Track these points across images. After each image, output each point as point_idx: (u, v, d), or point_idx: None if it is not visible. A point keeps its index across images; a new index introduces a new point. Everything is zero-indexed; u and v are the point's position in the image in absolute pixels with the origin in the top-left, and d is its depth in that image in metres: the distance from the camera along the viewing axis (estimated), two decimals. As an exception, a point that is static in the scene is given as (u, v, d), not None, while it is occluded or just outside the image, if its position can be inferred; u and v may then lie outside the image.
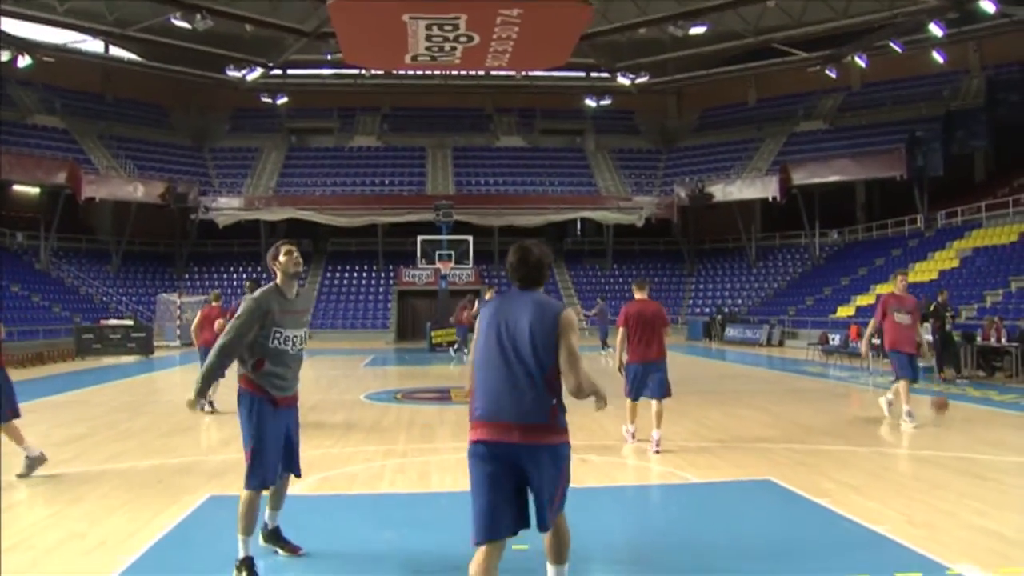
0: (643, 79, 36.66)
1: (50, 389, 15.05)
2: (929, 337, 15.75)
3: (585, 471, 7.08)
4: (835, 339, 20.80)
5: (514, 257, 3.79)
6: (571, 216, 37.72)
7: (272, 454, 4.52)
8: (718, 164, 38.02)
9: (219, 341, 4.53)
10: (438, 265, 30.34)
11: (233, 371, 4.71)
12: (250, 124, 40.95)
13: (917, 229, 31.58)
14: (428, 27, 24.10)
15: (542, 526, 3.60)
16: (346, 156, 40.65)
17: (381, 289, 36.42)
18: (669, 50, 34.06)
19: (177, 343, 28.88)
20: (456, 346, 23.44)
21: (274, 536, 4.89)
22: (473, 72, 35.91)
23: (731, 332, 30.38)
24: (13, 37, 29.84)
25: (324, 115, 41.62)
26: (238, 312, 4.54)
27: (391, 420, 10.69)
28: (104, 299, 32.48)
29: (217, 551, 4.71)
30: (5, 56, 29.71)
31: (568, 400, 3.65)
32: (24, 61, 30.48)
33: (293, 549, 4.86)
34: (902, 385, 9.82)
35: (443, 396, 13.69)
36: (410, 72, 36.22)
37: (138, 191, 33.87)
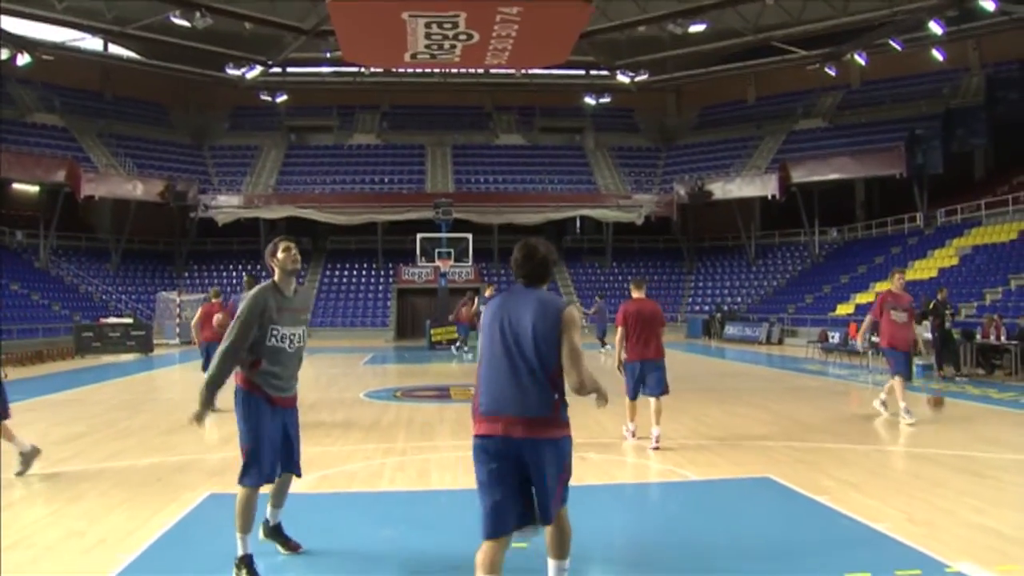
0: (642, 77, 36.65)
1: (49, 387, 15.06)
2: (928, 335, 15.78)
3: (585, 469, 7.08)
4: (834, 337, 20.80)
5: (519, 254, 3.83)
6: (570, 214, 37.70)
7: (268, 453, 4.48)
8: (717, 162, 38.01)
9: (222, 346, 4.44)
10: (437, 263, 30.34)
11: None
12: (249, 122, 40.94)
13: (917, 227, 31.60)
14: (427, 25, 24.10)
15: (545, 519, 3.64)
16: (345, 154, 40.64)
17: (380, 287, 36.41)
18: (668, 48, 34.03)
19: (177, 341, 28.91)
20: (457, 344, 23.45)
21: (275, 533, 4.89)
22: (472, 70, 35.89)
23: (730, 330, 30.39)
24: (12, 35, 29.81)
25: (323, 113, 41.60)
26: (237, 314, 4.49)
27: (391, 418, 10.69)
28: (103, 297, 32.47)
29: (217, 549, 4.71)
30: (4, 54, 29.66)
31: (567, 397, 3.68)
32: (23, 59, 30.43)
33: (293, 547, 4.85)
34: (896, 382, 9.88)
35: (443, 394, 13.70)
36: (409, 70, 36.23)
37: (137, 189, 33.84)
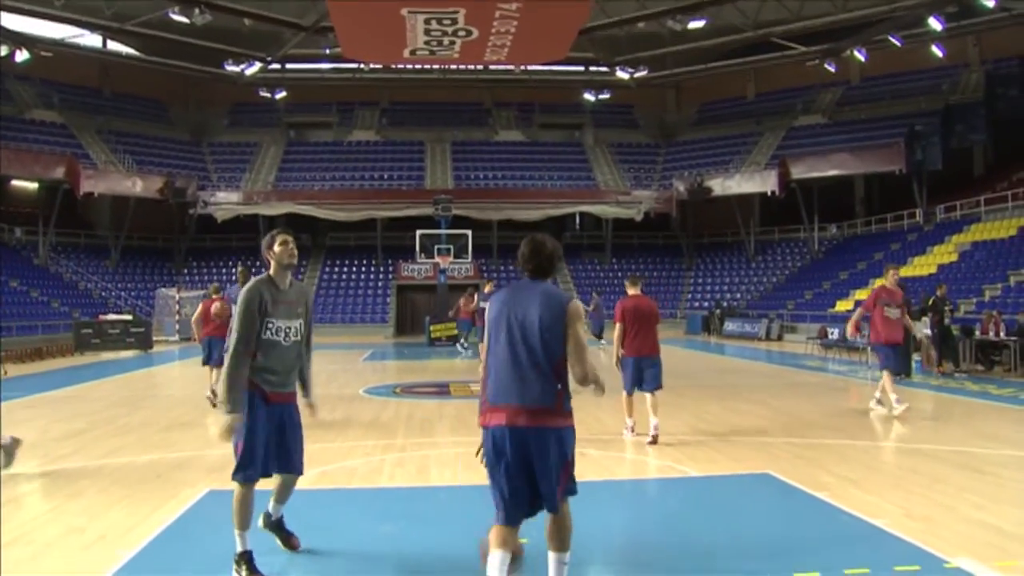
0: (642, 73, 36.61)
1: (49, 384, 15.06)
2: (928, 331, 15.80)
3: (584, 465, 7.07)
4: (834, 333, 20.82)
5: (527, 248, 3.94)
6: (570, 210, 37.71)
7: (260, 450, 4.43)
8: (717, 158, 37.98)
9: (230, 344, 4.41)
10: (437, 259, 30.34)
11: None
12: (249, 119, 40.91)
13: (916, 223, 31.60)
14: (427, 21, 24.03)
15: (551, 507, 3.74)
16: (345, 150, 40.60)
17: (380, 283, 36.42)
18: (668, 44, 33.99)
19: (176, 338, 28.92)
20: (462, 341, 23.39)
21: (276, 527, 4.86)
22: (472, 66, 35.81)
23: (730, 326, 30.41)
24: (11, 32, 29.75)
25: (323, 109, 41.56)
26: (236, 312, 4.46)
27: (390, 414, 10.70)
28: (103, 294, 32.46)
29: (217, 545, 4.71)
30: (3, 51, 29.60)
31: (569, 389, 3.76)
32: (22, 56, 30.39)
33: (293, 544, 4.83)
34: (885, 376, 9.97)
35: (442, 391, 13.70)
36: (409, 66, 36.17)
37: (136, 186, 33.83)
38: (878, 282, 11.11)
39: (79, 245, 35.11)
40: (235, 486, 4.45)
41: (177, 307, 29.49)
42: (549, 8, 23.32)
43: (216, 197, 35.54)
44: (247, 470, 4.42)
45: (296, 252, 4.64)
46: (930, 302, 15.92)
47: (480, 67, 35.57)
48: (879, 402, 10.34)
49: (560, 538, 3.81)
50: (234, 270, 35.15)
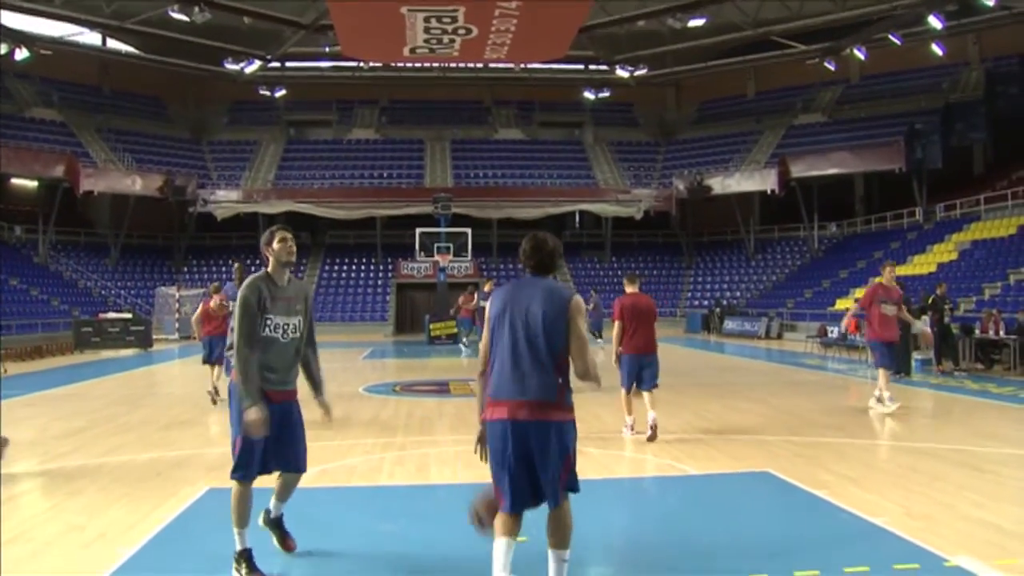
0: (642, 71, 36.60)
1: (49, 382, 15.07)
2: (928, 329, 15.80)
3: (583, 463, 7.04)
4: (833, 332, 20.83)
5: (529, 245, 4.01)
6: (570, 208, 37.72)
7: (258, 448, 4.40)
8: (717, 157, 37.98)
9: (236, 341, 4.36)
10: (436, 258, 30.32)
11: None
12: (248, 117, 40.90)
13: (916, 222, 31.60)
14: (426, 19, 24.06)
15: (553, 501, 3.77)
16: (344, 149, 40.58)
17: (380, 282, 36.42)
18: (668, 42, 33.98)
19: (176, 336, 28.91)
20: (464, 340, 23.38)
21: (274, 524, 4.81)
22: (471, 64, 35.84)
23: (730, 325, 30.43)
24: (11, 30, 29.72)
25: (322, 108, 41.54)
26: (236, 308, 4.41)
27: (390, 413, 10.70)
28: (103, 292, 32.46)
29: (217, 543, 4.70)
30: (3, 49, 29.59)
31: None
32: (22, 54, 30.39)
33: (287, 546, 4.76)
34: (881, 374, 10.08)
35: (442, 389, 13.70)
36: (408, 65, 36.14)
37: (136, 184, 33.82)
38: (877, 280, 11.13)
39: (79, 243, 35.11)
40: (233, 484, 4.44)
41: (177, 305, 29.49)
42: (549, 6, 23.34)
43: (216, 195, 35.54)
44: (245, 469, 4.40)
45: (295, 249, 4.61)
46: (930, 301, 15.92)
47: (480, 65, 35.59)
48: (879, 400, 10.35)
49: (560, 535, 3.83)
50: (233, 268, 35.18)
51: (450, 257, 30.24)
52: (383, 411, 10.84)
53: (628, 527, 5.59)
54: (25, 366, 18.95)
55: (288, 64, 37.95)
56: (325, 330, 30.82)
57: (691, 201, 36.27)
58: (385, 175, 38.50)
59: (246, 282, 4.48)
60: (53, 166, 31.55)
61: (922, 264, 26.94)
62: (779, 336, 28.24)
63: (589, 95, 39.54)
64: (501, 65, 34.89)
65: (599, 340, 22.29)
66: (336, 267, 37.58)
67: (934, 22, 28.21)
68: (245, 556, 4.37)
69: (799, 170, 33.95)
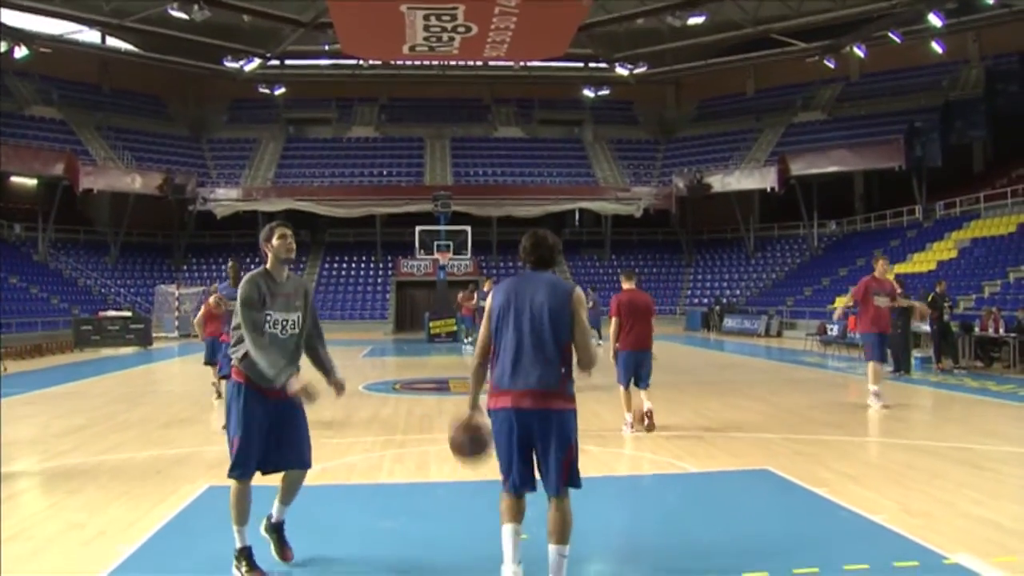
0: (641, 69, 36.57)
1: (48, 381, 15.08)
2: (927, 327, 15.82)
3: (583, 461, 7.00)
4: (833, 329, 20.82)
5: (529, 242, 4.13)
6: (569, 207, 37.69)
7: (257, 446, 4.39)
8: (716, 155, 37.96)
9: (246, 334, 4.34)
10: (436, 256, 30.27)
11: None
12: (248, 115, 40.87)
13: (915, 220, 31.60)
14: (426, 17, 24.05)
15: (554, 490, 3.86)
16: (344, 147, 40.55)
17: (379, 280, 36.41)
18: (667, 40, 33.96)
19: (175, 334, 28.92)
20: (468, 339, 23.35)
21: (274, 531, 4.67)
22: (471, 62, 35.82)
23: (729, 323, 30.43)
24: (10, 28, 29.72)
25: (322, 106, 41.50)
26: (238, 305, 4.39)
27: (389, 411, 10.70)
28: (102, 291, 32.45)
29: (217, 541, 4.70)
30: (2, 47, 29.59)
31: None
32: (21, 52, 30.38)
33: (284, 556, 4.62)
34: (871, 367, 10.17)
35: (442, 387, 13.70)
36: (408, 62, 36.12)
37: (136, 182, 33.80)
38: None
39: (78, 241, 35.10)
40: (232, 482, 4.42)
41: (176, 303, 29.50)
42: (548, 5, 23.34)
43: (215, 193, 35.52)
44: (242, 467, 4.38)
45: (294, 246, 4.58)
46: (929, 299, 15.91)
47: (479, 63, 35.58)
48: (877, 395, 10.35)
49: (560, 531, 3.86)
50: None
51: (450, 255, 30.20)
52: (383, 409, 10.84)
53: (627, 525, 5.60)
54: (25, 364, 18.96)
55: (288, 62, 37.92)
56: (325, 328, 29.99)
57: (691, 199, 36.25)
58: (385, 173, 38.48)
59: (245, 278, 4.46)
60: (53, 164, 31.53)
61: (922, 262, 26.93)
62: (779, 334, 28.25)
63: (589, 93, 39.51)
64: (501, 63, 34.89)
65: (598, 340, 22.29)
66: (336, 265, 37.57)
67: (934, 20, 28.21)
68: (245, 554, 4.37)
69: (799, 168, 33.95)
